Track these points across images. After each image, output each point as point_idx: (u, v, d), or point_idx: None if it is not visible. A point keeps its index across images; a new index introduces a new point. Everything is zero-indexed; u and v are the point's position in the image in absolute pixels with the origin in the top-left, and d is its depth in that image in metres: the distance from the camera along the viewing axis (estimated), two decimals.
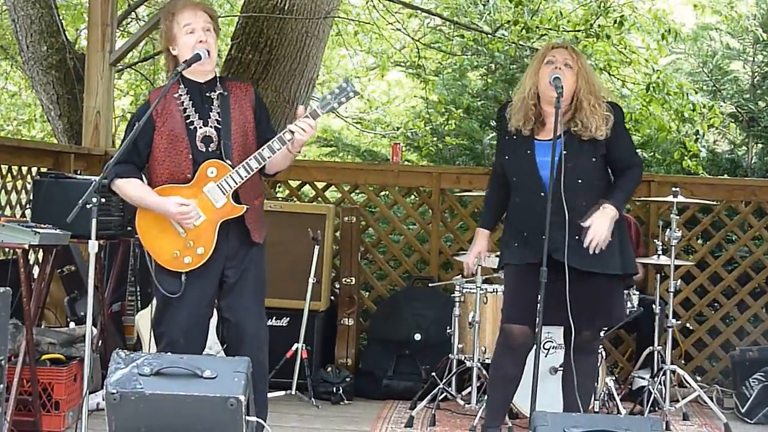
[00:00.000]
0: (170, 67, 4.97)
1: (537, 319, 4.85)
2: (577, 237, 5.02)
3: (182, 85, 4.88)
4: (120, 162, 4.80)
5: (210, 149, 4.83)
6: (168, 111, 4.84)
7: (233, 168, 4.79)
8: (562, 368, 5.50)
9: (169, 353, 4.63)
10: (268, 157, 4.76)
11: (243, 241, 4.90)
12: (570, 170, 5.01)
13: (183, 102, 4.86)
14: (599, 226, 5.02)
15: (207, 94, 4.88)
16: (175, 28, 4.86)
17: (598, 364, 6.13)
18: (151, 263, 4.91)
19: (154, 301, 5.05)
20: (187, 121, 4.84)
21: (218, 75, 4.99)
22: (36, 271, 6.49)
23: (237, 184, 4.79)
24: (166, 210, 4.79)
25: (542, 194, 5.05)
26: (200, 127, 4.84)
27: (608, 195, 5.15)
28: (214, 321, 5.71)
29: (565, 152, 5.01)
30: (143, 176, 4.95)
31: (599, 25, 9.86)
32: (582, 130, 5.11)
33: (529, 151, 5.16)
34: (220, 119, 4.85)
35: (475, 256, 5.48)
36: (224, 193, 4.79)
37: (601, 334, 6.24)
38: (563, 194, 4.95)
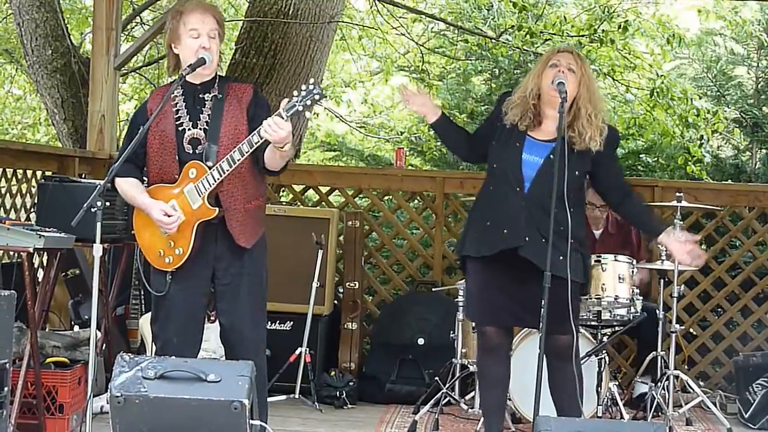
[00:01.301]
0: (170, 63, 4.99)
1: (541, 324, 4.84)
2: (544, 240, 4.96)
3: (179, 86, 4.89)
4: (121, 161, 4.84)
5: (197, 151, 4.84)
6: (162, 111, 4.85)
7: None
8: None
9: (169, 354, 4.67)
10: (239, 160, 4.71)
11: (231, 245, 4.88)
12: (551, 175, 4.99)
13: (177, 103, 4.89)
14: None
15: (201, 96, 4.88)
16: (181, 29, 4.86)
17: (602, 369, 6.14)
18: (141, 262, 4.99)
19: None
20: (177, 122, 4.86)
21: (219, 76, 4.97)
22: (40, 274, 6.51)
23: (211, 185, 4.77)
24: (150, 213, 4.84)
25: (518, 189, 5.07)
26: (189, 129, 4.85)
27: (658, 226, 5.28)
28: (217, 326, 5.71)
29: (551, 157, 5.00)
30: (143, 174, 5.00)
31: (603, 30, 9.87)
32: (577, 137, 5.09)
33: (518, 144, 5.14)
34: (209, 121, 4.85)
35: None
36: (200, 195, 4.79)
37: (605, 339, 6.27)
38: (540, 196, 4.97)
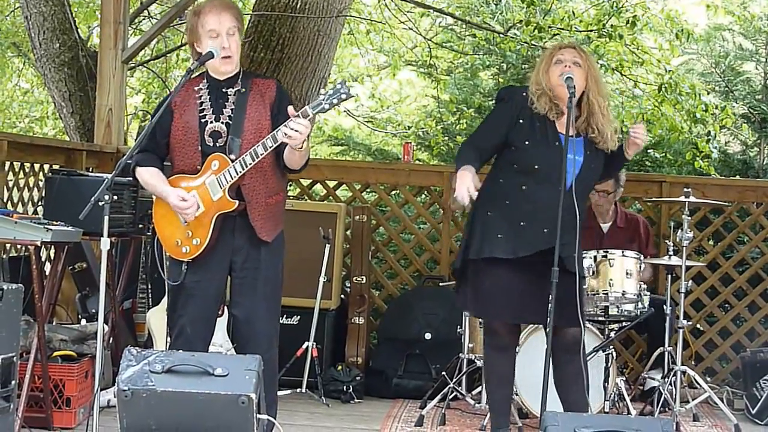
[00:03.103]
0: (194, 59, 5.02)
1: (548, 319, 4.85)
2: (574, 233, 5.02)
3: (205, 80, 4.96)
4: (141, 151, 4.90)
5: (218, 144, 4.88)
6: (186, 104, 4.92)
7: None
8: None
9: (182, 344, 4.78)
10: (261, 154, 4.75)
11: (251, 239, 4.91)
12: (590, 172, 5.05)
13: (201, 96, 4.93)
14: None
15: (224, 90, 4.92)
16: (200, 30, 4.89)
17: (609, 364, 6.14)
18: (158, 251, 5.06)
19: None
20: (200, 114, 4.90)
21: (243, 71, 4.98)
22: (48, 268, 6.51)
23: (233, 178, 4.80)
24: (167, 200, 4.88)
25: (559, 189, 4.97)
26: (211, 122, 4.88)
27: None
28: (224, 320, 5.72)
29: (588, 153, 5.03)
30: (163, 165, 5.02)
31: (612, 25, 9.83)
32: (598, 137, 5.09)
33: (557, 143, 5.09)
34: (232, 115, 4.87)
35: (468, 190, 4.97)
36: (221, 187, 4.82)
37: (612, 334, 6.27)
38: (580, 193, 4.98)
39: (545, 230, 5.02)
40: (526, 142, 5.13)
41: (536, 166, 5.11)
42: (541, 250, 5.02)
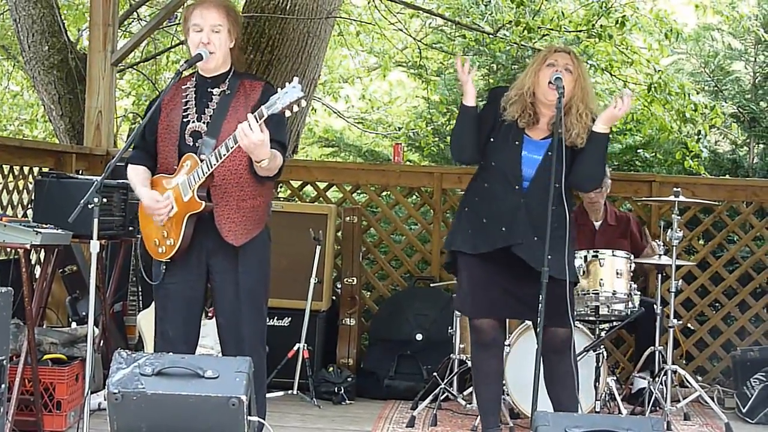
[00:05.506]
0: (190, 56, 4.99)
1: (539, 319, 4.87)
2: (536, 238, 5.04)
3: (193, 79, 4.93)
4: (134, 147, 4.92)
5: (197, 144, 4.82)
6: (173, 102, 4.89)
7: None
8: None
9: (165, 346, 4.75)
10: (224, 155, 4.65)
11: (223, 242, 4.84)
12: (547, 172, 5.04)
13: (188, 95, 4.89)
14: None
15: (209, 90, 4.87)
16: (187, 25, 4.88)
17: (600, 364, 6.14)
18: (142, 251, 5.05)
19: None
20: (184, 114, 4.86)
21: (235, 71, 4.92)
22: (38, 271, 6.50)
23: (201, 178, 4.73)
24: (142, 201, 4.88)
25: (516, 188, 5.10)
26: (193, 122, 4.84)
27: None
28: (213, 322, 5.71)
29: (550, 153, 5.04)
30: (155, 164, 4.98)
31: (601, 26, 9.85)
32: (564, 133, 5.11)
33: (517, 142, 5.17)
34: (212, 115, 4.83)
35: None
36: (190, 187, 4.77)
37: (603, 334, 6.27)
38: (544, 194, 4.99)
39: (503, 229, 5.11)
40: (492, 139, 5.23)
41: (493, 163, 5.22)
42: (504, 248, 5.06)
